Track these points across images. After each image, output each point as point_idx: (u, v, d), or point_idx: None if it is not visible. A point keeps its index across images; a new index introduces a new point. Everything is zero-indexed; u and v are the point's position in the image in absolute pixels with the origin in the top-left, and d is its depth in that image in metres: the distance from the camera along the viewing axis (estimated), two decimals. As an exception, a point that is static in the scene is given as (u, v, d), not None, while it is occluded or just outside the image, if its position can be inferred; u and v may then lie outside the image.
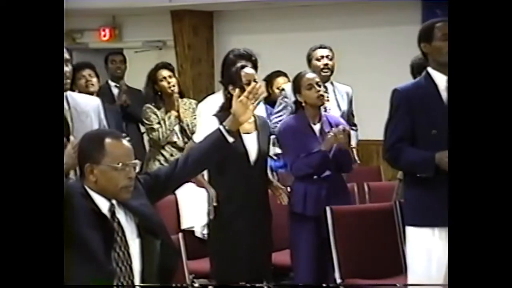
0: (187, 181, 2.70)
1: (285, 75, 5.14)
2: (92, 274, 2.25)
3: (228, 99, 3.41)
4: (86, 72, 4.57)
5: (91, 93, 4.46)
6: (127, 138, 2.48)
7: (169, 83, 4.57)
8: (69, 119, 2.84)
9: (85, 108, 2.94)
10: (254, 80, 3.43)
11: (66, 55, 2.86)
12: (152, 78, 4.62)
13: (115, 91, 5.55)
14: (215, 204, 3.35)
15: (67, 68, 2.84)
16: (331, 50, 4.50)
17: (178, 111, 4.56)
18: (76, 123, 2.85)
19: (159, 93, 4.59)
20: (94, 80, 4.61)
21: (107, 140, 2.35)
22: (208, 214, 3.48)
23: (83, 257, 2.26)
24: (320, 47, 4.48)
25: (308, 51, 4.52)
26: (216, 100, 3.80)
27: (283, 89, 4.50)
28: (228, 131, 2.53)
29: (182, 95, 4.68)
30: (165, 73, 4.61)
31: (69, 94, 2.94)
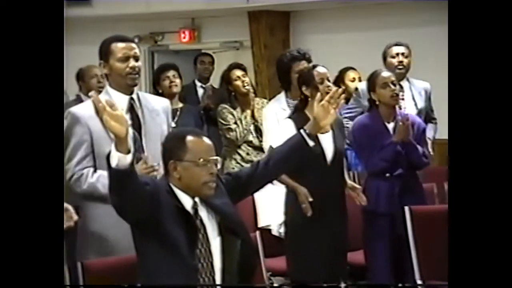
0: (268, 183, 2.75)
1: (354, 69, 5.12)
2: (176, 270, 2.33)
3: (302, 100, 3.44)
4: (170, 73, 4.68)
5: (174, 94, 4.60)
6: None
7: (243, 81, 4.62)
8: (140, 118, 2.93)
9: (155, 107, 3.01)
10: (327, 79, 3.44)
11: (137, 51, 2.95)
12: (226, 78, 4.69)
13: (200, 91, 5.68)
14: (310, 199, 3.36)
15: (136, 64, 2.91)
16: (407, 47, 4.42)
17: (253, 110, 4.62)
18: (147, 122, 2.95)
19: (233, 93, 4.67)
20: (178, 81, 4.72)
21: (188, 138, 2.45)
22: (286, 214, 3.50)
23: (168, 252, 2.34)
24: (396, 45, 4.42)
25: (384, 48, 4.48)
26: (278, 104, 3.85)
27: (356, 88, 4.49)
28: (308, 135, 2.57)
29: (255, 95, 4.75)
30: (238, 72, 4.66)
31: (140, 93, 3.01)
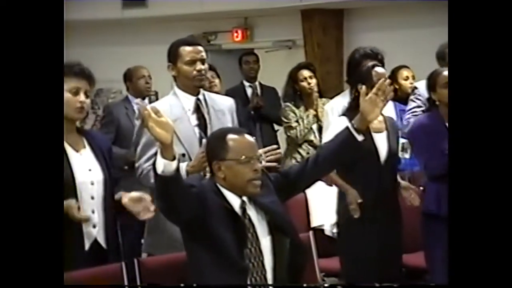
0: (317, 180, 2.73)
1: (408, 67, 5.04)
2: (226, 270, 2.32)
3: (357, 98, 3.41)
4: (209, 74, 4.72)
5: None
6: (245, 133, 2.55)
7: (309, 83, 4.66)
8: (206, 118, 3.00)
9: (221, 107, 3.10)
10: (385, 80, 3.39)
11: (203, 54, 3.05)
12: (293, 77, 4.72)
13: (249, 91, 5.70)
14: (360, 200, 3.33)
15: (203, 66, 3.02)
16: None
17: (316, 110, 4.64)
18: (212, 122, 3.02)
19: (299, 92, 4.68)
20: (216, 81, 4.78)
21: (229, 136, 2.45)
22: (339, 214, 3.48)
23: (217, 253, 2.34)
24: None
25: (438, 48, 4.40)
26: (343, 99, 3.81)
27: (415, 87, 4.41)
28: (356, 130, 2.53)
29: (321, 95, 4.74)
30: (306, 73, 4.70)
31: (206, 94, 3.11)
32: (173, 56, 3.04)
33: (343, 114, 3.39)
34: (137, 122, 3.01)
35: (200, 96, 3.06)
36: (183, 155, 2.92)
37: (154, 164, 2.26)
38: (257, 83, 5.76)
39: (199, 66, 3.01)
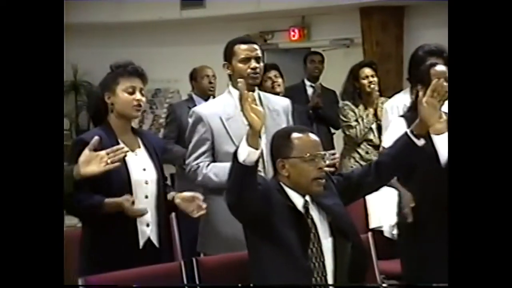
0: (380, 187, 2.69)
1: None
2: (289, 270, 2.31)
3: (416, 98, 3.32)
4: (272, 73, 4.70)
5: (277, 94, 4.59)
6: None
7: (370, 82, 4.57)
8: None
9: (275, 107, 3.09)
10: (446, 79, 3.30)
11: (258, 53, 3.05)
12: (354, 74, 4.64)
13: (310, 90, 5.66)
14: (412, 205, 3.26)
15: (258, 65, 3.01)
16: None
17: (376, 109, 4.55)
18: (268, 121, 3.00)
19: (358, 90, 4.61)
20: (280, 80, 4.74)
21: (294, 135, 2.46)
22: (399, 216, 3.41)
23: (280, 252, 2.33)
24: None
25: None
26: (403, 97, 3.72)
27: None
28: (416, 135, 2.48)
29: (381, 94, 4.66)
30: (367, 71, 4.61)
31: (262, 93, 3.10)
32: (228, 54, 3.05)
33: (403, 115, 3.32)
34: (190, 120, 3.04)
35: (255, 95, 3.04)
36: None
37: (235, 152, 2.25)
38: (318, 83, 5.72)
39: (253, 64, 3.00)
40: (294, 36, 7.30)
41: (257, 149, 2.22)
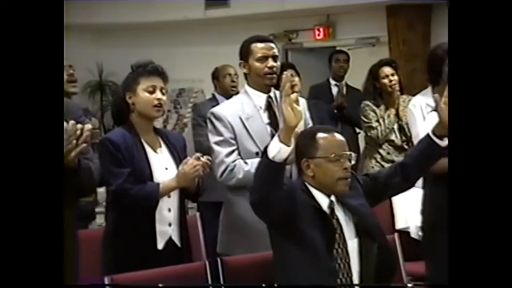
0: (406, 189, 2.65)
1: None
2: (314, 270, 2.30)
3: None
4: (288, 72, 4.64)
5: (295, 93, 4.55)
6: None
7: (391, 81, 4.49)
8: (278, 116, 2.96)
9: None
10: None
11: (275, 51, 3.01)
12: (374, 74, 4.57)
13: (334, 90, 5.62)
14: None
15: (275, 63, 2.97)
16: None
17: (397, 109, 4.48)
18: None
19: (379, 90, 4.54)
20: (296, 79, 4.70)
21: (319, 135, 2.44)
22: (423, 215, 3.36)
23: (305, 253, 2.31)
24: None
25: None
26: (424, 98, 3.67)
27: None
28: (438, 136, 2.45)
29: (402, 92, 4.58)
30: (387, 70, 4.53)
31: (277, 92, 3.04)
32: (244, 53, 3.01)
33: (435, 110, 3.26)
34: (210, 121, 2.97)
35: (271, 94, 3.02)
36: (257, 153, 2.89)
37: (265, 149, 2.22)
38: (343, 82, 5.67)
39: (271, 63, 2.96)
40: (319, 35, 7.25)
41: (288, 146, 2.20)
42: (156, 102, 2.72)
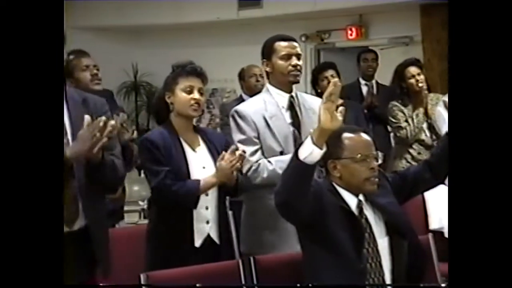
0: (436, 185, 2.63)
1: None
2: (344, 271, 2.29)
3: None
4: (329, 72, 4.61)
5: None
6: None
7: (417, 81, 4.44)
8: (299, 116, 2.98)
9: (311, 106, 3.02)
10: None
11: (299, 50, 3.00)
12: (399, 74, 4.52)
13: (364, 89, 5.58)
14: None
15: (298, 62, 2.98)
16: None
17: (426, 108, 4.43)
18: (305, 119, 2.98)
19: (406, 90, 4.50)
20: (336, 80, 4.66)
21: (345, 135, 2.42)
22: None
23: (334, 254, 2.31)
24: None
25: None
26: None
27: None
28: None
29: (429, 91, 4.54)
30: (413, 70, 4.48)
31: (298, 93, 3.06)
32: (267, 51, 3.01)
33: None
34: (233, 119, 2.96)
35: (293, 94, 3.02)
36: (281, 152, 2.89)
37: (296, 150, 2.20)
38: (373, 81, 5.63)
39: (294, 61, 2.96)
40: (351, 34, 7.23)
41: (321, 149, 2.18)
42: (193, 102, 2.76)
